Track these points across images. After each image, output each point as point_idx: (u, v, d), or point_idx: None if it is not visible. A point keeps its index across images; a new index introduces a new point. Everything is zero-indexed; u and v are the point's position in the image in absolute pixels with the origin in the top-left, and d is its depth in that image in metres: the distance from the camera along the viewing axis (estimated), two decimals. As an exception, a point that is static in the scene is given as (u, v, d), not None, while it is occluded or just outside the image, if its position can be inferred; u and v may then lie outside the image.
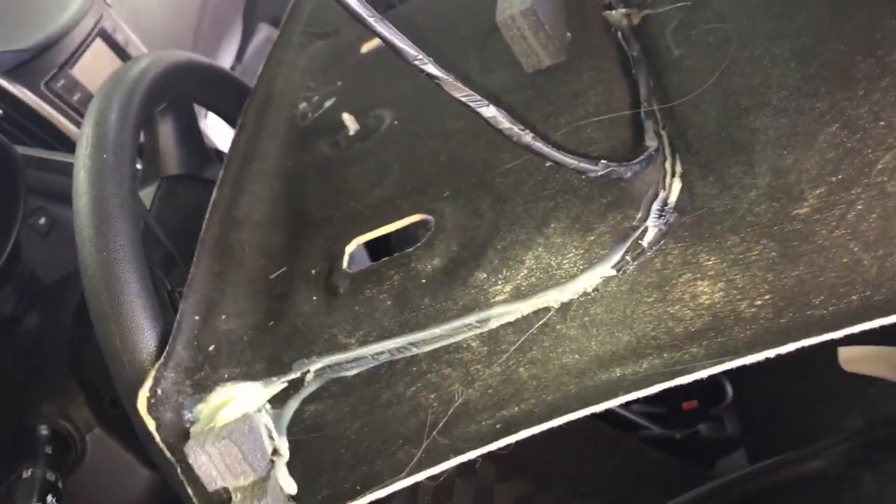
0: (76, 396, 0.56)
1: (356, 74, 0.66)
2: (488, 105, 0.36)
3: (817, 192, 0.40)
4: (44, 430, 0.54)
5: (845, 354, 0.72)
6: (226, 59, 1.60)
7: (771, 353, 0.39)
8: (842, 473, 0.89)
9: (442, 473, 0.41)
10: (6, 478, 0.50)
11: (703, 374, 0.39)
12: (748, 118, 0.44)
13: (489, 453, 0.41)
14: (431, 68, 0.34)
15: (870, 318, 0.38)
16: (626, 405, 1.15)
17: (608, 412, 1.14)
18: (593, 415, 1.13)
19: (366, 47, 0.69)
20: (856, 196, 0.40)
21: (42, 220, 0.79)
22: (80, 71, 1.01)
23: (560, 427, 1.06)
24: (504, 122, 0.37)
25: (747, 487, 0.93)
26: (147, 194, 0.64)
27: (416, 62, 0.34)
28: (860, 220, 0.39)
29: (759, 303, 0.40)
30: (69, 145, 0.98)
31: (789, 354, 0.45)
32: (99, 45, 1.05)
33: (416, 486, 0.95)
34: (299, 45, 0.76)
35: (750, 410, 1.10)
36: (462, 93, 0.36)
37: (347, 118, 0.58)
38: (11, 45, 0.94)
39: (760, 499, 0.94)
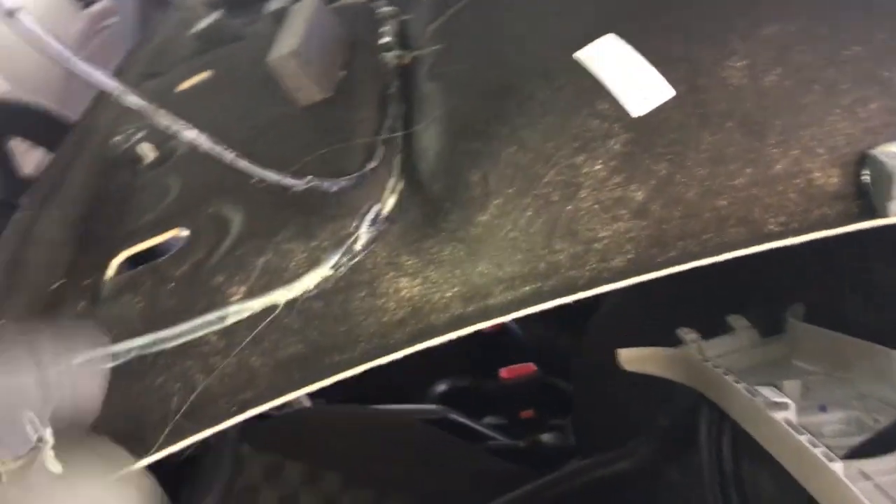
0: None
1: (167, 109, 0.72)
2: (190, 128, 0.43)
3: (497, 201, 0.48)
4: None
5: (624, 355, 0.81)
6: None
7: (461, 333, 0.47)
8: (651, 469, 0.96)
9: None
10: None
11: (402, 353, 0.47)
12: (459, 143, 0.52)
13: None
14: (134, 100, 0.41)
15: (540, 303, 0.46)
16: (475, 419, 1.22)
17: (457, 425, 1.20)
18: (440, 425, 1.20)
19: (182, 86, 0.75)
20: (526, 204, 0.47)
21: None
22: None
23: (398, 434, 1.13)
24: (206, 143, 0.44)
25: (564, 487, 1.00)
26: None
27: (117, 92, 0.41)
28: (529, 223, 0.47)
29: (449, 294, 0.47)
30: None
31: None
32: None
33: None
34: (131, 83, 0.82)
35: (586, 419, 1.17)
36: (164, 118, 0.43)
37: (146, 148, 0.64)
38: None
39: (576, 497, 1.02)
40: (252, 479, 1.04)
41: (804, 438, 0.56)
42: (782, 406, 0.60)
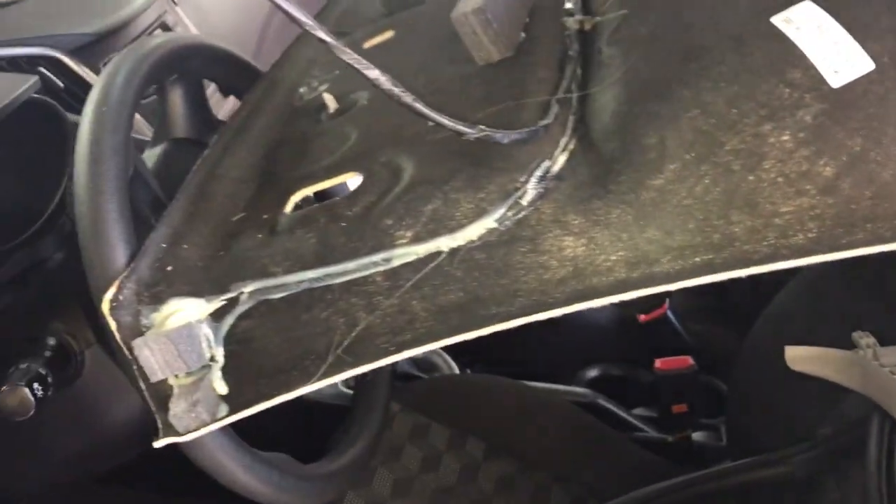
0: (81, 317, 0.66)
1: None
2: (373, 69, 0.45)
3: (673, 166, 0.46)
4: (50, 341, 0.65)
5: (791, 353, 0.76)
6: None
7: (623, 297, 0.46)
8: (806, 479, 0.91)
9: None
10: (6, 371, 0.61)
11: (560, 312, 0.46)
12: (637, 105, 0.51)
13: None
14: (322, 34, 0.43)
15: (710, 274, 0.45)
16: (625, 408, 1.20)
17: (606, 412, 1.19)
18: (587, 410, 1.19)
19: (366, 44, 0.78)
20: (704, 171, 0.46)
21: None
22: None
23: (552, 416, 1.13)
24: (386, 84, 0.45)
25: (712, 486, 0.96)
26: (155, 153, 0.75)
27: (309, 29, 0.42)
28: (706, 192, 0.45)
29: (613, 258, 0.46)
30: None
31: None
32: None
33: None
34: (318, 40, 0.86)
35: (742, 420, 1.13)
36: (349, 56, 0.44)
37: (328, 98, 0.67)
38: (77, 28, 1.08)
39: (724, 498, 0.98)
40: (399, 436, 1.07)
41: None
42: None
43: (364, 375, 0.61)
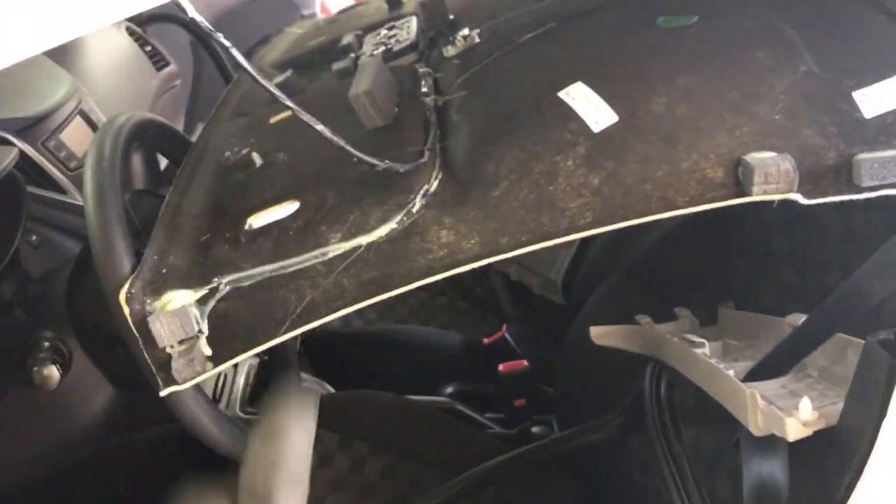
0: (68, 328, 0.85)
1: (265, 135, 0.99)
2: (318, 123, 0.70)
3: (504, 183, 0.74)
4: (45, 343, 0.84)
5: (594, 331, 1.06)
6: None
7: (479, 265, 0.72)
8: (618, 438, 1.19)
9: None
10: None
11: (439, 277, 0.72)
12: (479, 148, 0.79)
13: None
14: (289, 102, 0.68)
15: (530, 245, 0.72)
16: (478, 412, 1.46)
17: (462, 416, 1.44)
18: (449, 414, 1.47)
19: (272, 121, 1.03)
20: (523, 186, 0.74)
21: (34, 237, 1.10)
22: (65, 136, 1.35)
23: (420, 419, 1.39)
24: (327, 133, 0.71)
25: (543, 454, 1.22)
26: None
27: (280, 99, 0.68)
28: (526, 198, 0.74)
29: (472, 241, 0.73)
30: (55, 188, 1.30)
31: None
32: (78, 119, 1.38)
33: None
34: (227, 120, 1.10)
35: (569, 401, 1.41)
36: (306, 118, 0.70)
37: (255, 156, 0.91)
38: (20, 113, 1.27)
39: (553, 464, 1.24)
40: (295, 443, 1.27)
41: (713, 361, 0.81)
42: (700, 345, 0.85)
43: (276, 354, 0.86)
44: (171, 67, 1.96)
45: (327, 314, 0.73)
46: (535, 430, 1.42)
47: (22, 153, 1.23)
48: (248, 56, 1.08)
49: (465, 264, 0.73)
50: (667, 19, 0.84)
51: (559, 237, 0.72)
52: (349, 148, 0.73)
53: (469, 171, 0.77)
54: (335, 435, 1.28)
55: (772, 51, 0.77)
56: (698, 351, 0.85)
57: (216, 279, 0.74)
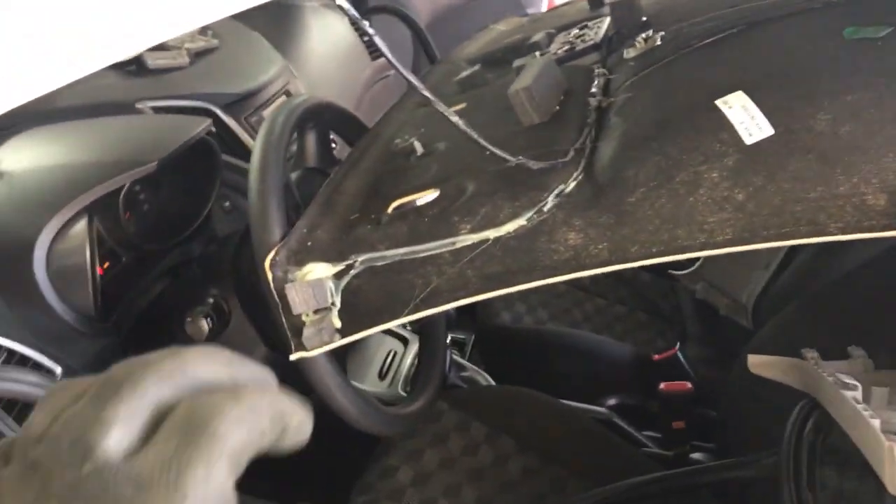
0: (231, 287, 0.93)
1: (433, 125, 1.03)
2: (453, 115, 0.72)
3: (641, 190, 0.72)
4: (210, 300, 0.92)
5: (752, 360, 0.99)
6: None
7: (605, 271, 0.71)
8: (769, 480, 1.11)
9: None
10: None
11: (562, 279, 0.71)
12: (624, 152, 0.77)
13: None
14: (426, 92, 0.70)
15: (659, 257, 0.69)
16: (635, 428, 1.42)
17: (619, 429, 1.41)
18: (605, 426, 1.45)
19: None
20: (661, 194, 0.71)
21: (227, 203, 1.21)
22: (268, 113, 1.48)
23: (573, 425, 1.40)
24: (461, 125, 0.72)
25: (690, 480, 1.17)
26: (293, 176, 1.03)
27: (417, 86, 0.70)
28: (662, 207, 0.71)
29: (600, 246, 0.71)
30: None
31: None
32: (283, 99, 1.51)
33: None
34: (409, 109, 1.15)
35: (730, 434, 1.33)
36: (441, 107, 0.71)
37: (417, 145, 0.94)
38: (227, 89, 1.40)
39: (693, 492, 1.18)
40: (445, 427, 1.31)
41: (860, 406, 0.74)
42: (852, 387, 0.78)
43: (427, 342, 0.87)
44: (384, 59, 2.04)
45: (448, 302, 0.74)
46: (694, 455, 1.35)
47: (226, 125, 1.36)
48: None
49: (590, 269, 0.71)
50: (854, 30, 0.77)
51: (693, 251, 0.69)
52: (481, 140, 0.74)
53: (609, 175, 0.76)
54: (484, 426, 1.30)
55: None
56: (849, 394, 0.77)
57: (353, 257, 0.78)
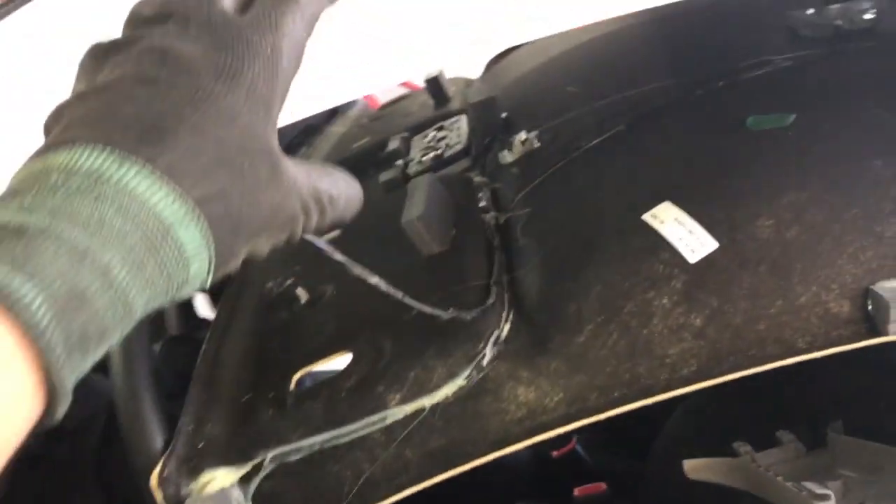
0: (98, 498, 0.76)
1: (310, 261, 0.90)
2: (374, 276, 0.61)
3: (589, 327, 0.64)
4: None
5: (688, 465, 0.93)
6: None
7: (567, 429, 0.61)
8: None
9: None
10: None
11: (520, 446, 0.61)
12: (556, 284, 0.69)
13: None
14: (339, 256, 0.59)
15: (626, 404, 0.61)
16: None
17: None
18: None
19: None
20: (612, 329, 0.63)
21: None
22: None
23: None
24: (383, 286, 0.61)
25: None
26: (156, 348, 0.87)
27: (327, 252, 0.58)
28: (615, 344, 0.63)
29: (556, 399, 0.62)
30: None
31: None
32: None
33: None
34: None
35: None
36: (357, 268, 0.60)
37: (300, 291, 0.82)
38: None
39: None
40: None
41: (843, 521, 0.68)
42: (825, 497, 0.73)
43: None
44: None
45: (389, 493, 0.62)
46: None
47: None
48: (288, 150, 1.01)
49: (551, 428, 0.62)
50: (758, 120, 0.74)
51: (660, 392, 0.61)
52: (411, 301, 0.63)
53: (546, 312, 0.67)
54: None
55: (891, 157, 0.66)
56: (824, 504, 0.72)
57: (260, 453, 0.64)
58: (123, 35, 0.37)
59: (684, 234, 0.65)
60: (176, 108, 0.32)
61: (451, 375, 0.64)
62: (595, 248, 0.69)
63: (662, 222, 0.67)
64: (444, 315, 0.65)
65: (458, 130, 1.11)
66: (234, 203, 0.33)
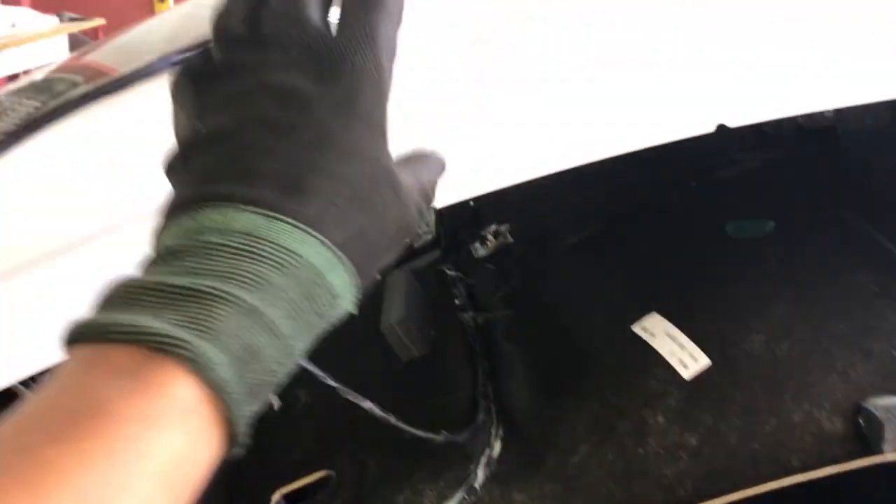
0: None
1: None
2: (366, 400, 0.58)
3: (584, 447, 0.62)
4: None
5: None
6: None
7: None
8: None
9: None
10: None
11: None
12: (547, 400, 0.67)
13: None
14: (330, 381, 0.56)
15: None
16: None
17: None
18: None
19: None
20: (607, 449, 0.62)
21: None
22: None
23: None
24: (376, 412, 0.59)
25: None
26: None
27: (320, 378, 0.56)
28: (611, 465, 0.61)
29: (552, 522, 0.60)
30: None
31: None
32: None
33: None
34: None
35: None
36: (348, 394, 0.57)
37: (272, 397, 0.78)
38: None
39: None
40: None
41: None
42: None
43: None
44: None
45: None
46: None
47: None
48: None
49: (547, 556, 0.60)
50: (737, 226, 0.75)
51: (657, 516, 0.60)
52: (404, 426, 0.61)
53: (538, 428, 0.65)
54: None
55: (874, 271, 0.67)
56: None
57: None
58: (218, 55, 0.37)
59: (676, 348, 0.65)
60: (307, 154, 0.33)
61: (443, 499, 0.62)
62: (585, 359, 0.68)
63: (653, 336, 0.67)
64: (438, 439, 0.63)
65: (428, 222, 1.10)
66: (369, 236, 0.33)
